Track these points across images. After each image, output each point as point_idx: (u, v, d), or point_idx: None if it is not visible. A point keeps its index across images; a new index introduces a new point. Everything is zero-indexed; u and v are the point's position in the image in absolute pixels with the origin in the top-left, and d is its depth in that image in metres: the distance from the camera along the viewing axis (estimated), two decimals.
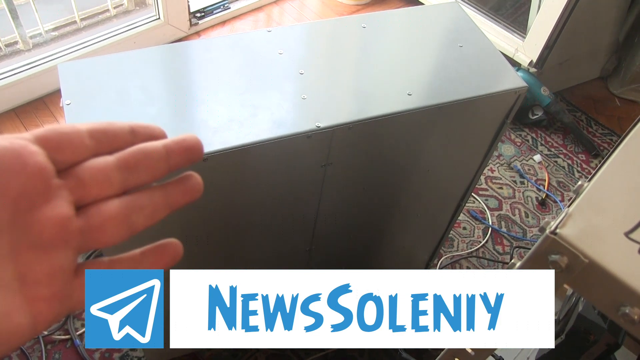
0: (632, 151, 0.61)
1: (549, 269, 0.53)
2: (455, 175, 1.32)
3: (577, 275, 0.51)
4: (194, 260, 1.17)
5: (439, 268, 1.79)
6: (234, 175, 1.01)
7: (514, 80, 1.13)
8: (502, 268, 1.82)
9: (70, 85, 0.99)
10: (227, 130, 0.96)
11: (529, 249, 1.87)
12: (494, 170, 2.10)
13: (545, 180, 2.09)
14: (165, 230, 1.06)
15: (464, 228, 1.91)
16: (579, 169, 2.15)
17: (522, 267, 0.57)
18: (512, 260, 0.60)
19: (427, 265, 1.72)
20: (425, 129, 1.12)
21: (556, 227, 0.50)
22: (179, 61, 1.07)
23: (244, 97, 1.02)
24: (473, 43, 1.20)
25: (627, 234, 0.49)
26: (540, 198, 2.03)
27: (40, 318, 0.27)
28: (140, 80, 1.02)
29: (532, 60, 2.14)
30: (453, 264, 1.82)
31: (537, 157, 2.15)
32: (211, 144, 0.93)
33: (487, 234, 1.91)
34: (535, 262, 0.53)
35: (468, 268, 1.81)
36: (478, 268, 1.82)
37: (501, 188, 2.05)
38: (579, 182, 0.55)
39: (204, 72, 1.06)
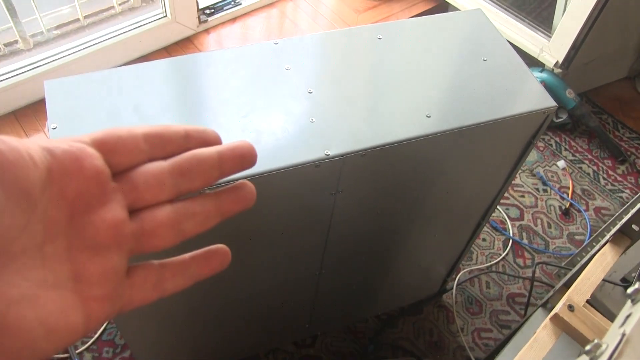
0: None
1: None
2: (477, 195, 1.23)
3: None
4: (200, 288, 1.09)
5: (457, 283, 1.70)
6: None
7: (542, 99, 1.04)
8: (523, 284, 1.73)
9: (58, 106, 0.91)
10: None
11: (552, 264, 1.78)
12: (516, 177, 1.99)
13: (569, 188, 1.98)
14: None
15: (484, 239, 1.82)
16: (605, 175, 2.04)
17: None
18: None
19: (445, 281, 1.63)
20: (445, 153, 1.03)
21: (610, 358, 0.39)
22: (177, 78, 0.99)
23: (246, 120, 0.93)
24: (498, 56, 1.10)
25: None
26: (563, 207, 1.93)
27: (93, 317, 0.28)
28: (134, 99, 0.93)
29: (557, 61, 2.03)
30: (472, 279, 1.73)
31: (561, 163, 2.04)
32: None
33: (507, 246, 1.81)
34: None
35: (487, 283, 1.72)
36: (498, 283, 1.73)
37: (523, 196, 1.95)
38: (636, 286, 0.44)
39: (204, 90, 0.97)
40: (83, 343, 1.49)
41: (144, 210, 0.30)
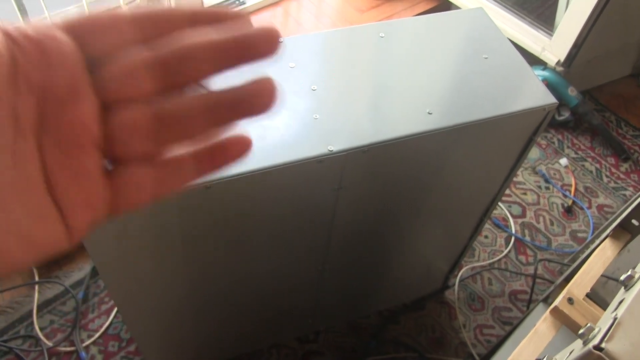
0: None
1: None
2: (478, 192, 1.24)
3: None
4: (202, 285, 1.11)
5: (459, 280, 1.71)
6: (239, 202, 0.94)
7: (543, 96, 1.05)
8: (526, 280, 1.74)
9: None
10: None
11: (554, 261, 1.79)
12: (518, 175, 2.01)
13: (571, 185, 1.99)
14: (169, 260, 1.00)
15: (486, 237, 1.83)
16: (608, 173, 2.05)
17: None
18: (541, 357, 0.51)
19: (447, 277, 1.64)
20: (446, 149, 1.04)
21: (602, 340, 0.41)
22: None
23: None
24: (499, 53, 1.11)
25: None
26: (566, 205, 1.94)
27: (75, 224, 0.26)
28: None
29: (559, 60, 2.04)
30: (474, 276, 1.74)
31: (564, 161, 2.05)
32: None
33: (509, 243, 1.82)
34: None
35: (489, 280, 1.73)
36: (500, 280, 1.74)
37: (525, 194, 1.96)
38: (629, 272, 0.45)
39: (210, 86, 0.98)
40: (89, 337, 1.51)
41: (118, 111, 0.26)
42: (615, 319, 0.41)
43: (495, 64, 1.09)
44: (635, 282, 0.45)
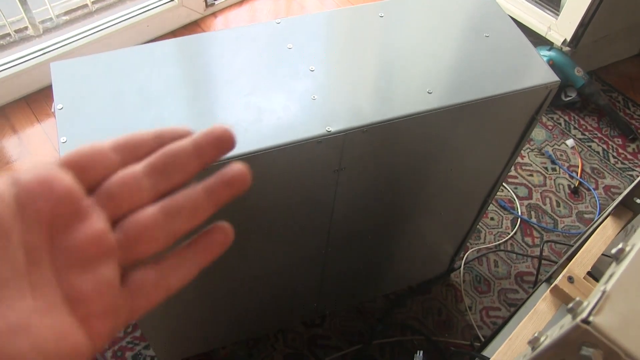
0: None
1: None
2: (481, 172, 1.23)
3: None
4: (205, 270, 1.10)
5: (465, 262, 1.71)
6: None
7: (545, 74, 1.03)
8: (532, 262, 1.73)
9: (63, 87, 0.93)
10: None
11: (560, 242, 1.78)
12: (524, 157, 1.99)
13: (578, 166, 1.98)
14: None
15: (492, 219, 1.82)
16: (615, 154, 2.03)
17: (545, 355, 0.47)
18: (536, 334, 0.50)
19: (453, 260, 1.64)
20: (448, 129, 1.03)
21: (590, 313, 0.40)
22: (180, 59, 1.00)
23: (248, 98, 0.94)
24: (500, 32, 1.10)
25: None
26: (572, 186, 1.92)
27: (97, 335, 0.27)
28: (138, 81, 0.95)
29: (565, 39, 2.01)
30: (480, 258, 1.73)
31: (570, 142, 2.03)
32: None
33: (515, 225, 1.81)
34: (562, 352, 0.43)
35: (495, 262, 1.73)
36: (506, 262, 1.73)
37: (531, 175, 1.95)
38: (619, 246, 0.45)
39: (207, 70, 0.98)
40: None
41: (127, 218, 0.29)
42: (604, 292, 0.41)
43: (496, 42, 1.08)
44: (626, 255, 0.44)
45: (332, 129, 0.90)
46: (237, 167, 0.31)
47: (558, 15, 2.00)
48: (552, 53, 2.04)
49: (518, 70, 1.04)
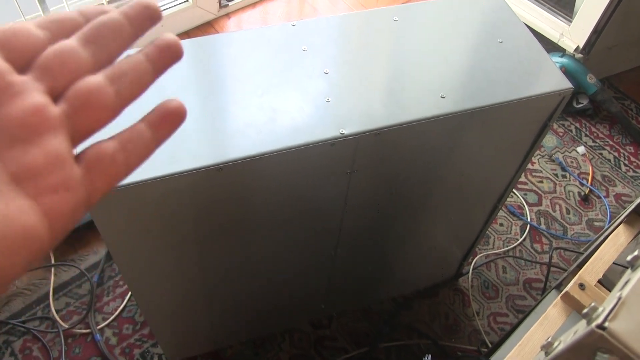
0: None
1: None
2: (492, 177, 1.23)
3: None
4: (214, 269, 1.11)
5: (473, 267, 1.71)
6: (250, 185, 0.94)
7: (558, 81, 1.03)
8: (540, 269, 1.73)
9: None
10: (243, 136, 0.89)
11: (570, 249, 1.77)
12: (534, 163, 1.99)
13: (589, 174, 1.97)
14: (181, 244, 1.01)
15: (501, 224, 1.82)
16: (627, 162, 2.02)
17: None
18: (549, 339, 0.50)
19: (461, 265, 1.64)
20: (460, 133, 1.04)
21: (605, 319, 0.40)
22: (195, 58, 1.00)
23: (262, 99, 0.95)
24: (514, 38, 1.10)
25: None
26: (583, 193, 1.92)
27: (53, 212, 0.26)
28: None
29: (578, 46, 2.01)
30: (488, 264, 1.73)
31: (581, 149, 2.03)
32: (226, 152, 0.87)
33: (524, 231, 1.81)
34: (576, 358, 0.43)
35: (504, 268, 1.73)
36: (515, 268, 1.73)
37: (541, 182, 1.95)
38: (635, 253, 0.45)
39: (221, 70, 0.99)
40: (104, 320, 1.53)
41: (70, 88, 0.28)
42: (619, 298, 0.41)
43: (510, 48, 1.08)
44: None
45: (346, 131, 0.91)
46: (168, 35, 0.30)
47: (571, 22, 2.00)
48: (564, 60, 2.04)
49: (531, 76, 1.04)
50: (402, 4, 1.14)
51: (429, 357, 1.09)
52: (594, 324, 0.41)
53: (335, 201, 1.06)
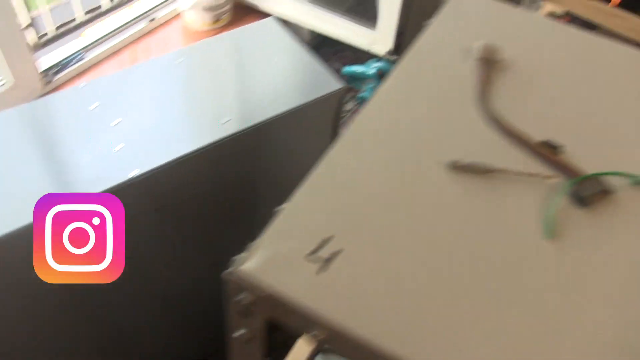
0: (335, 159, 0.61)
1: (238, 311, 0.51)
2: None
3: (264, 308, 0.50)
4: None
5: None
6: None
7: (331, 83, 1.15)
8: None
9: None
10: None
11: None
12: None
13: None
14: None
15: None
16: None
17: None
18: None
19: None
20: (257, 149, 1.12)
21: (241, 264, 0.49)
22: None
23: (52, 166, 0.99)
24: (289, 55, 1.21)
25: (307, 256, 0.49)
26: None
27: None
28: None
29: (390, 49, 2.17)
30: None
31: None
32: None
33: None
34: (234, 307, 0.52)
35: None
36: None
37: None
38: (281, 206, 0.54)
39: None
40: None
41: None
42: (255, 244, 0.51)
43: (285, 65, 1.19)
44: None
45: (139, 172, 0.97)
46: None
47: (375, 29, 2.15)
48: (380, 64, 2.19)
49: (307, 84, 1.15)
50: (185, 47, 1.23)
51: None
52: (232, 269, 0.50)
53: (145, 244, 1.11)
